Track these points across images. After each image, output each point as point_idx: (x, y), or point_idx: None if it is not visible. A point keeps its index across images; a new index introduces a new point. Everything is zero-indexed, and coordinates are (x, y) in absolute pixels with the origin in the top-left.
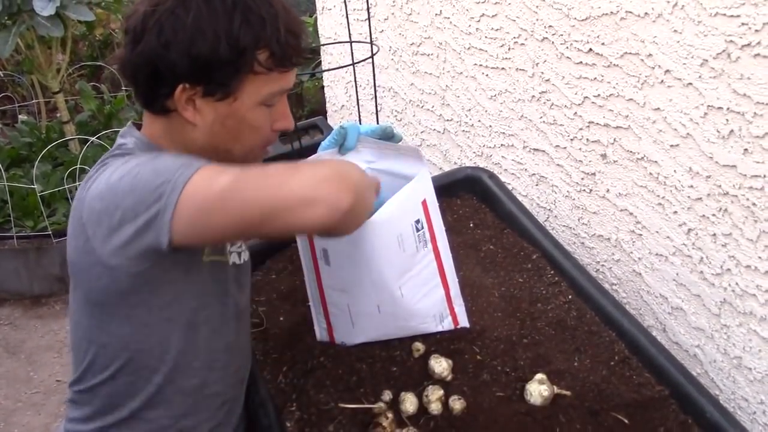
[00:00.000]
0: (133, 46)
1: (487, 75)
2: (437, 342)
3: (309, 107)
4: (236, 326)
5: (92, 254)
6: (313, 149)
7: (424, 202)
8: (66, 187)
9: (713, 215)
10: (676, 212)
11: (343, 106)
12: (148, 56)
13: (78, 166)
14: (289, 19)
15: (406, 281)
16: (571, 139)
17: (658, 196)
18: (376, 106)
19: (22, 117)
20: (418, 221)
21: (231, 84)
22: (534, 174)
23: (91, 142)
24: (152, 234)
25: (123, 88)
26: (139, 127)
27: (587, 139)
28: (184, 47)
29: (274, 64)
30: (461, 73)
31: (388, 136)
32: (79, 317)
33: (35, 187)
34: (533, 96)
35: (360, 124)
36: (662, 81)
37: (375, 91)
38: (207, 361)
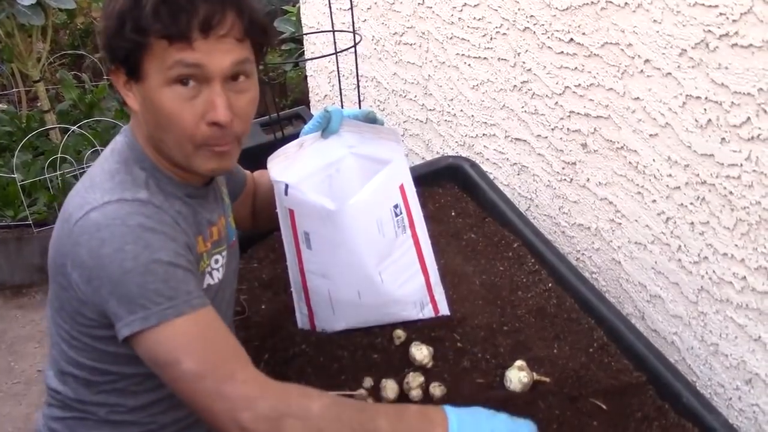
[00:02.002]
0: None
1: (469, 65)
2: (418, 329)
3: (292, 97)
4: None
5: (68, 279)
6: (295, 137)
7: (401, 187)
8: (47, 176)
9: (691, 204)
10: (654, 201)
11: (326, 95)
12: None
13: (59, 155)
14: None
15: (387, 267)
16: (552, 129)
17: (638, 185)
18: (359, 96)
19: (2, 106)
20: (396, 206)
21: (137, 64)
22: (515, 163)
23: (72, 131)
24: (114, 321)
25: (104, 77)
26: None
27: (568, 129)
28: (102, 31)
29: (163, 39)
30: (443, 62)
31: (370, 121)
32: (51, 318)
33: (15, 176)
34: (515, 86)
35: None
36: (642, 71)
37: (357, 80)
38: None
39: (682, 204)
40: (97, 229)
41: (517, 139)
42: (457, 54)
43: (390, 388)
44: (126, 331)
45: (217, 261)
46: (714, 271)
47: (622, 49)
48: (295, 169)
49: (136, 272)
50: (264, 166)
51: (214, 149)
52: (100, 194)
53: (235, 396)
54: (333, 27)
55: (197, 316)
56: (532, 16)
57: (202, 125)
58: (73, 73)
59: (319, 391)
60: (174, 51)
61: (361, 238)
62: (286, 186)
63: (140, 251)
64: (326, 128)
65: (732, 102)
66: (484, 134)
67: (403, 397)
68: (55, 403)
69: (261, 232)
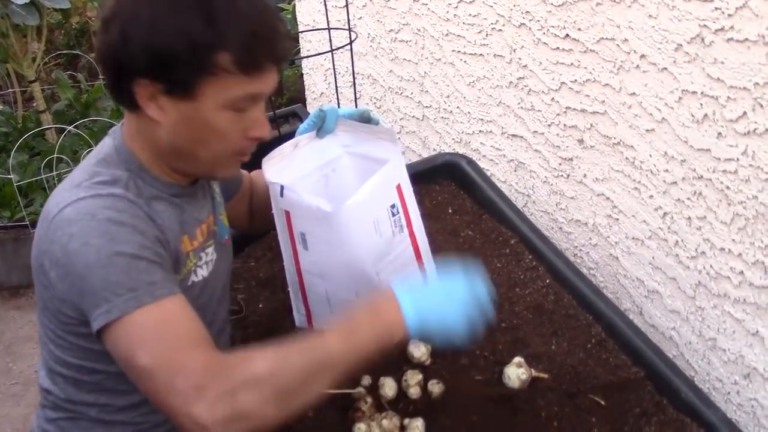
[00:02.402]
0: (101, 36)
1: (465, 61)
2: None
3: (288, 95)
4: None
5: (47, 277)
6: (292, 137)
7: (398, 187)
8: (43, 176)
9: (688, 199)
10: (651, 196)
11: (322, 93)
12: (111, 48)
13: (55, 155)
14: (258, 20)
15: (384, 266)
16: (549, 125)
17: (634, 180)
18: (355, 94)
19: None
20: (393, 206)
21: (190, 84)
22: (512, 160)
23: (68, 131)
24: (88, 316)
25: (100, 77)
26: None
27: (564, 125)
28: (142, 41)
29: (236, 68)
30: (440, 59)
31: (366, 120)
32: (39, 319)
33: (12, 177)
34: (511, 82)
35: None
36: (638, 66)
37: (354, 78)
38: None
39: (679, 199)
40: (69, 225)
41: (513, 135)
42: (453, 51)
43: (388, 385)
44: (95, 326)
45: (201, 258)
46: (711, 266)
47: (618, 45)
48: (290, 169)
49: (99, 265)
50: (260, 164)
51: (241, 159)
52: (76, 192)
53: (186, 389)
54: (329, 24)
55: (159, 306)
56: (527, 12)
57: (243, 140)
58: (68, 72)
59: (261, 348)
60: (244, 81)
61: (358, 238)
62: (282, 187)
63: (103, 244)
64: (321, 127)
65: (728, 97)
66: (480, 131)
67: (401, 394)
68: (48, 403)
69: (259, 231)
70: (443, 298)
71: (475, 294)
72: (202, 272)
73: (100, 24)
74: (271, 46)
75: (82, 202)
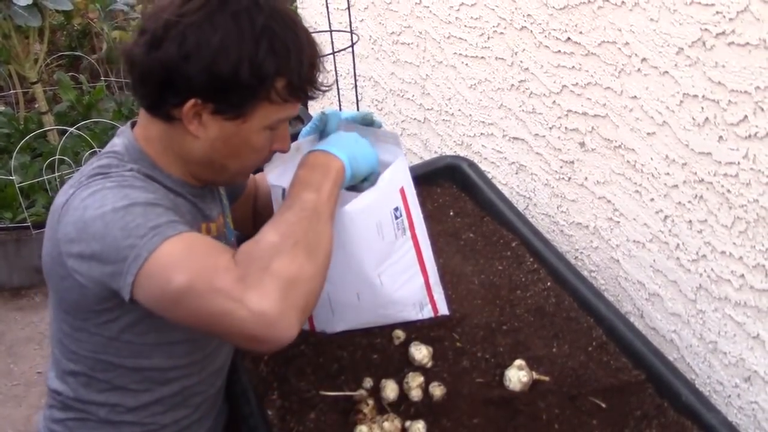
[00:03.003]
0: (149, 49)
1: (466, 64)
2: (417, 329)
3: None
4: (215, 340)
5: (65, 267)
6: (293, 139)
7: (402, 190)
8: (45, 178)
9: (689, 202)
10: (652, 199)
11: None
12: (165, 64)
13: (57, 156)
14: (312, 52)
15: (386, 269)
16: (550, 128)
17: (636, 183)
18: (357, 96)
19: None
20: (396, 209)
21: (244, 107)
22: (513, 162)
23: (70, 132)
24: (116, 284)
25: (102, 78)
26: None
27: (566, 128)
28: (206, 64)
29: (289, 95)
30: (441, 62)
31: (368, 123)
32: (53, 317)
33: (14, 178)
34: (512, 85)
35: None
36: (639, 69)
37: (355, 80)
38: (186, 371)
39: (680, 202)
40: (81, 201)
41: (515, 138)
42: (455, 53)
43: (390, 388)
44: (128, 281)
45: None
46: (712, 269)
47: (619, 48)
48: (292, 173)
49: (117, 218)
50: (262, 167)
51: (259, 167)
52: (85, 178)
53: (227, 285)
54: (330, 27)
55: (182, 236)
56: (529, 15)
57: (268, 152)
58: (70, 74)
59: (256, 234)
60: (289, 106)
61: (361, 241)
62: (284, 190)
63: (117, 200)
64: (323, 131)
65: (729, 100)
66: (482, 133)
67: (403, 396)
68: (56, 404)
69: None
70: (350, 139)
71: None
72: None
73: (145, 36)
74: (318, 77)
75: (91, 182)
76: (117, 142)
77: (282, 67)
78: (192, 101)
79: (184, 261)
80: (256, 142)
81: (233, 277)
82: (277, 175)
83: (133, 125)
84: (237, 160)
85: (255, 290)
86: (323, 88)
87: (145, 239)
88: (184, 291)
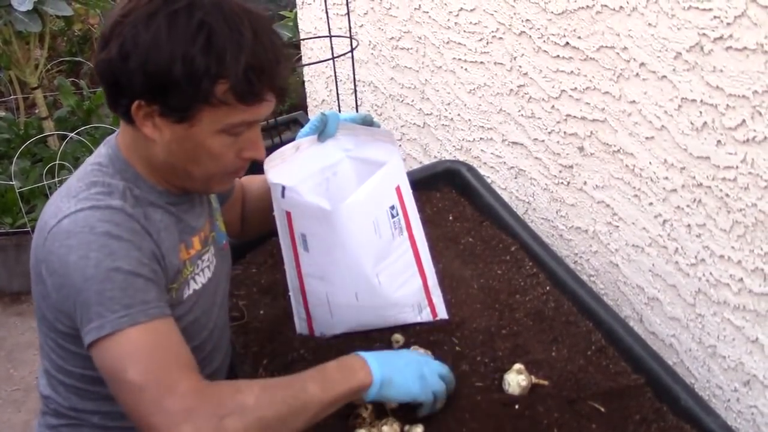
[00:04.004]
0: (100, 51)
1: (465, 69)
2: (416, 333)
3: (290, 102)
4: (211, 344)
5: (45, 285)
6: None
7: (398, 188)
8: (45, 183)
9: (688, 206)
10: (651, 204)
11: (323, 100)
12: (110, 65)
13: (57, 162)
14: (257, 51)
15: (383, 269)
16: (549, 132)
17: (634, 188)
18: (356, 101)
19: (0, 113)
20: (392, 207)
21: (186, 109)
22: (512, 167)
23: (71, 137)
24: (81, 330)
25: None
26: None
27: (564, 132)
28: (140, 62)
29: (233, 98)
30: (440, 67)
31: (368, 124)
32: (38, 328)
33: (14, 183)
34: (511, 90)
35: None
36: (637, 74)
37: (355, 85)
38: None
39: (678, 206)
40: (67, 237)
41: (514, 142)
42: (454, 58)
43: None
44: (87, 340)
45: (198, 265)
46: (711, 273)
47: (618, 53)
48: (292, 171)
49: (96, 279)
50: (262, 171)
51: (236, 176)
52: (74, 202)
53: (174, 410)
54: (330, 32)
55: (151, 325)
56: (527, 20)
57: (237, 160)
58: (71, 79)
59: (248, 381)
60: (241, 110)
61: (358, 238)
62: (283, 188)
63: (102, 258)
64: (323, 131)
65: (727, 105)
66: (481, 138)
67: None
68: (49, 411)
69: (250, 238)
70: (403, 362)
71: (428, 366)
72: (201, 279)
73: (100, 39)
74: (271, 77)
75: (80, 214)
76: (102, 152)
77: (218, 69)
78: (136, 102)
79: (144, 359)
80: (212, 148)
81: (183, 406)
82: (276, 173)
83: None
84: (197, 166)
85: (192, 428)
86: (278, 87)
87: (116, 316)
88: (132, 387)
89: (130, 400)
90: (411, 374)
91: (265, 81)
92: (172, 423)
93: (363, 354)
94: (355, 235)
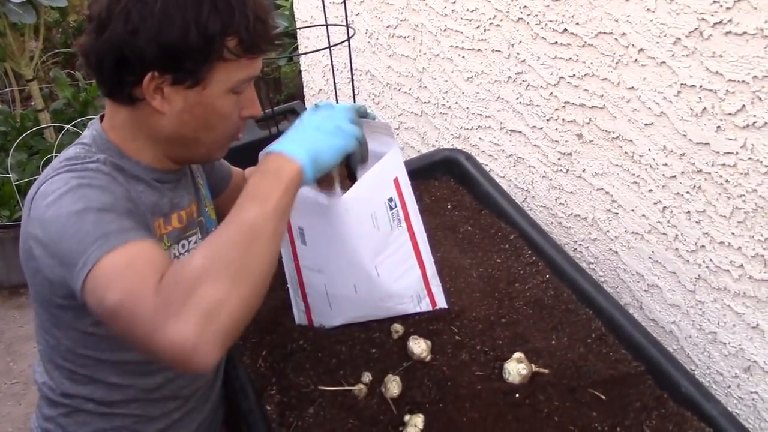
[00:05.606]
0: (98, 33)
1: (463, 57)
2: (416, 323)
3: (286, 92)
4: None
5: (35, 261)
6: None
7: (396, 180)
8: None
9: (687, 192)
10: (651, 190)
11: (320, 90)
12: (115, 43)
13: (54, 154)
14: (257, 6)
15: (382, 261)
16: (548, 120)
17: (634, 174)
18: (353, 90)
19: None
20: (390, 199)
21: (201, 72)
22: (511, 155)
23: (67, 129)
24: (73, 286)
25: None
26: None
27: (563, 119)
28: (153, 34)
29: (243, 51)
30: (438, 55)
31: (362, 115)
32: (35, 311)
33: (11, 176)
34: (509, 77)
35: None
36: (636, 60)
37: (352, 74)
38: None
39: (678, 193)
40: (44, 198)
41: (512, 130)
42: (451, 46)
43: (395, 383)
44: (78, 286)
45: (184, 246)
46: (711, 260)
47: (616, 39)
48: None
49: (71, 223)
50: (256, 161)
51: (235, 137)
52: (51, 171)
53: (148, 315)
54: (326, 21)
55: (129, 247)
56: (525, 6)
57: (239, 120)
58: (66, 71)
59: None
60: (246, 65)
61: (356, 232)
62: None
63: (74, 203)
64: None
65: (727, 90)
66: (479, 126)
67: (403, 390)
68: (44, 400)
69: None
70: (313, 128)
71: (337, 116)
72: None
73: (93, 22)
74: (269, 30)
75: (56, 176)
76: (86, 134)
77: (228, 24)
78: (149, 75)
79: (118, 278)
80: (222, 108)
81: (155, 305)
82: None
83: (102, 118)
84: (208, 131)
85: (174, 319)
86: (276, 41)
87: (94, 247)
88: (114, 310)
89: (119, 327)
90: (328, 133)
91: (267, 32)
92: (155, 330)
93: (276, 147)
94: (353, 228)
